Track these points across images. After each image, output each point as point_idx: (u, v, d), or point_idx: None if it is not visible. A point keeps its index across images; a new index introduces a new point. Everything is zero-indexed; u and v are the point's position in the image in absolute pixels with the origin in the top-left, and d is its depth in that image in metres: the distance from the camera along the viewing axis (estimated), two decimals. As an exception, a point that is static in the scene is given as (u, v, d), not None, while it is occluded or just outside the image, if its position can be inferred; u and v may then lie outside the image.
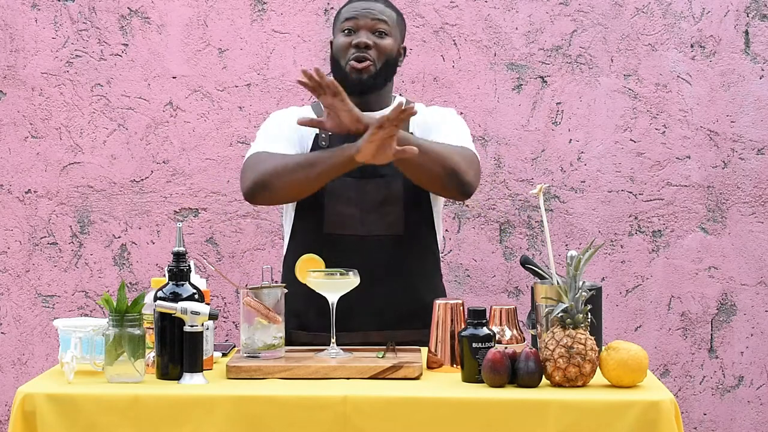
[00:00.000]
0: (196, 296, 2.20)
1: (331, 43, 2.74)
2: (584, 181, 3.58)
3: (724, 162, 3.58)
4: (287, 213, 2.76)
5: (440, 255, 2.82)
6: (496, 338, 2.24)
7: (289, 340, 2.55)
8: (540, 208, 2.33)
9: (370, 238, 2.64)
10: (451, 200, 3.56)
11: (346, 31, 2.67)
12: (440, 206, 2.78)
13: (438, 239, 2.78)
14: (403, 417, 2.04)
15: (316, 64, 3.54)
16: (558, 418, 2.01)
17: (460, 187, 2.58)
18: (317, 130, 2.69)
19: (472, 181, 2.60)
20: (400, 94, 2.76)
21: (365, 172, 2.64)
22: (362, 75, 2.64)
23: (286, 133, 2.69)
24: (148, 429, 2.06)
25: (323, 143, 2.68)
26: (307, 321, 2.66)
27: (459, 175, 2.55)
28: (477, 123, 3.56)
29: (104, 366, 2.16)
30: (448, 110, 2.82)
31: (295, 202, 2.71)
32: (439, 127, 2.71)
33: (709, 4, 3.56)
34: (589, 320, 2.16)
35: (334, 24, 2.74)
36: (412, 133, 2.68)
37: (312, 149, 2.68)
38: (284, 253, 2.76)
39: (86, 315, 3.58)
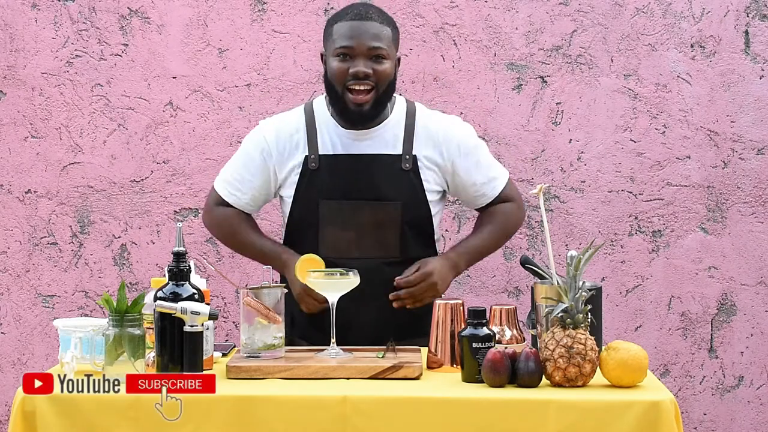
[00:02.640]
0: (196, 296, 2.20)
1: (322, 55, 2.64)
2: (584, 181, 3.58)
3: (724, 162, 3.58)
4: (284, 234, 2.73)
5: None
6: (496, 338, 2.24)
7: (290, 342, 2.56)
8: (540, 208, 2.33)
9: (367, 262, 2.56)
10: (448, 201, 3.56)
11: (341, 56, 2.56)
12: (439, 224, 2.75)
13: (438, 249, 2.75)
14: (403, 417, 2.04)
15: (316, 64, 3.55)
16: (558, 418, 2.01)
17: (518, 228, 2.83)
18: (306, 152, 2.62)
19: (523, 216, 2.83)
20: (400, 94, 2.74)
21: (361, 194, 2.60)
22: (363, 108, 2.56)
23: (255, 169, 2.66)
24: (148, 429, 2.06)
25: (313, 165, 2.61)
26: (306, 333, 2.66)
27: (515, 230, 2.82)
28: (477, 123, 3.56)
29: (104, 366, 2.16)
30: (461, 134, 2.70)
31: (286, 227, 2.71)
32: (470, 170, 2.68)
33: (709, 4, 3.56)
34: (589, 320, 2.16)
35: (326, 37, 2.63)
36: (415, 156, 2.64)
37: (302, 173, 2.62)
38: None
39: (86, 315, 3.58)
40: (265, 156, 2.65)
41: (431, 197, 2.65)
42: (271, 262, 2.61)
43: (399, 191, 2.61)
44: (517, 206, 2.76)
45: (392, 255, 2.62)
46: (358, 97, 2.55)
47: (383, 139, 2.63)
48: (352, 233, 2.61)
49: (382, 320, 2.59)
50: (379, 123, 2.63)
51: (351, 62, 2.55)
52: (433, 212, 2.67)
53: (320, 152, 2.62)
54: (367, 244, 2.61)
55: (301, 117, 2.67)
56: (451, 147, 2.65)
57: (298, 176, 2.62)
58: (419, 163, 2.63)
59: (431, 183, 2.64)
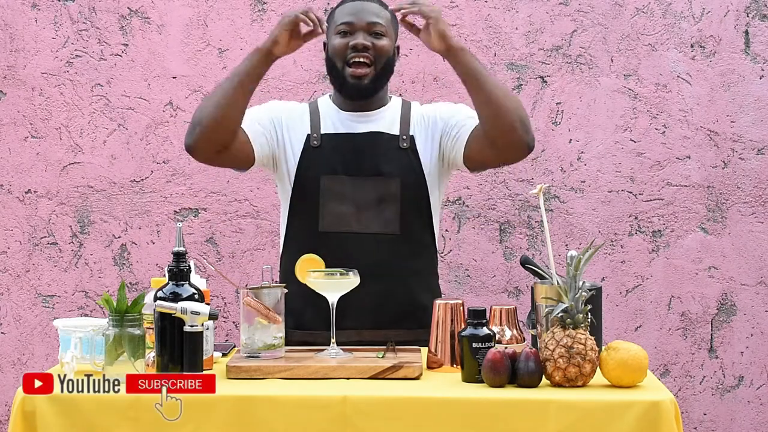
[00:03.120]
0: (196, 296, 2.20)
1: (325, 44, 2.71)
2: (584, 181, 3.58)
3: (724, 162, 3.58)
4: (282, 214, 2.76)
5: (438, 255, 2.82)
6: (496, 338, 2.24)
7: (287, 340, 2.55)
8: (540, 208, 2.33)
9: (366, 236, 2.62)
10: (448, 201, 3.56)
11: (342, 33, 2.65)
12: (439, 206, 2.78)
13: (435, 239, 2.77)
14: (403, 417, 2.04)
15: (316, 64, 3.55)
16: (558, 418, 2.01)
17: (528, 135, 2.57)
18: (309, 131, 2.69)
19: (526, 126, 2.57)
20: (400, 95, 2.76)
21: (362, 170, 2.65)
22: (362, 81, 2.64)
23: (264, 119, 2.69)
24: (148, 429, 2.06)
25: (315, 143, 2.68)
26: (302, 319, 2.66)
27: (527, 122, 2.56)
28: (477, 123, 3.56)
29: (104, 366, 2.16)
30: (444, 104, 2.79)
31: (288, 203, 2.69)
32: (453, 113, 2.70)
33: (709, 4, 3.56)
34: (589, 320, 2.16)
35: (329, 24, 2.70)
36: (413, 136, 2.69)
37: (304, 149, 2.68)
38: (280, 252, 2.75)
39: (86, 315, 3.58)
40: (273, 117, 2.71)
41: (430, 179, 2.70)
42: (251, 57, 2.57)
43: (398, 167, 2.66)
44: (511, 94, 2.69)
45: (391, 230, 2.66)
46: (358, 70, 2.63)
47: (381, 120, 2.70)
48: (352, 208, 2.65)
49: (381, 299, 2.62)
50: (378, 108, 2.70)
51: (351, 37, 2.64)
52: (432, 194, 2.71)
53: (322, 131, 2.69)
54: (367, 219, 2.65)
55: (305, 106, 2.76)
56: (439, 112, 2.73)
57: (300, 152, 2.68)
58: (416, 143, 2.69)
59: (430, 162, 2.70)
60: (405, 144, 2.68)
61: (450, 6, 3.57)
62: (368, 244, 2.61)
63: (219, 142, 2.59)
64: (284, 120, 2.71)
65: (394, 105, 2.75)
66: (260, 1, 3.59)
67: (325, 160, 2.67)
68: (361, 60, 2.62)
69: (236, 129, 2.59)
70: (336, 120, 2.70)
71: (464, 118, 2.69)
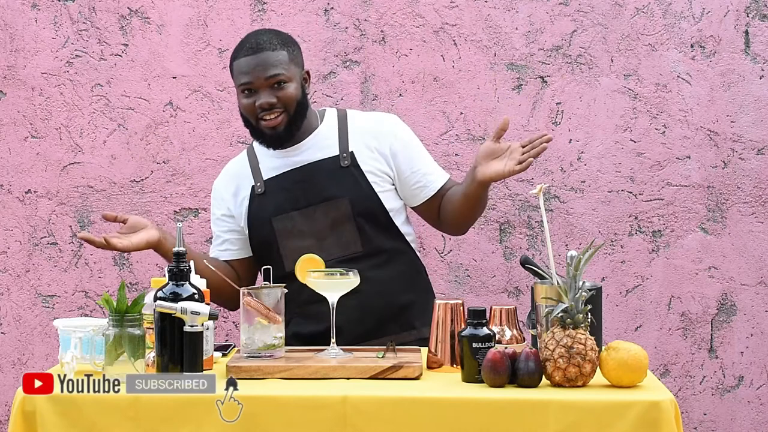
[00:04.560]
0: (196, 296, 2.20)
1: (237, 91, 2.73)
2: (584, 181, 3.58)
3: (724, 162, 3.58)
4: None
5: (418, 253, 2.82)
6: (496, 338, 2.25)
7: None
8: (540, 208, 2.33)
9: (331, 263, 2.59)
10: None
11: (245, 92, 2.67)
12: (404, 208, 2.77)
13: (411, 240, 2.76)
14: (403, 417, 2.04)
15: (316, 64, 3.55)
16: (558, 418, 2.01)
17: (466, 231, 2.86)
18: (252, 182, 2.76)
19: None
20: (334, 106, 2.77)
21: (309, 201, 2.68)
22: (277, 130, 2.67)
23: (223, 222, 2.84)
24: (148, 429, 2.06)
25: (259, 190, 2.75)
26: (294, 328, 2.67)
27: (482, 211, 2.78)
28: (477, 123, 3.56)
29: (104, 366, 2.16)
30: (396, 123, 2.79)
31: (250, 252, 2.79)
32: (410, 157, 2.73)
33: (709, 4, 3.56)
34: (589, 320, 2.16)
35: (232, 74, 2.73)
36: (352, 152, 2.71)
37: (251, 199, 2.76)
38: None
39: (86, 315, 3.58)
40: (223, 207, 2.83)
41: (380, 188, 2.70)
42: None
43: (344, 188, 2.68)
44: None
45: (354, 250, 2.67)
46: (269, 123, 2.66)
47: (317, 146, 2.73)
48: (311, 240, 2.67)
49: (361, 315, 2.63)
50: (309, 135, 2.73)
51: (256, 95, 2.66)
52: (387, 203, 2.71)
53: (264, 177, 2.75)
54: (328, 246, 2.67)
55: (244, 156, 2.83)
56: (386, 134, 2.74)
57: (247, 206, 2.76)
58: (357, 158, 2.70)
59: (376, 174, 2.71)
60: (346, 162, 2.69)
61: (450, 6, 3.57)
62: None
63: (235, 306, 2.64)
64: (228, 196, 2.80)
65: (327, 124, 2.75)
66: (260, 1, 3.59)
67: (271, 202, 2.72)
68: (272, 117, 2.65)
69: (235, 292, 2.48)
70: (275, 161, 2.74)
71: (428, 173, 2.73)
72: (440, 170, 2.79)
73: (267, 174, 2.75)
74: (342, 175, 2.68)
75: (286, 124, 2.66)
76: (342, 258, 2.64)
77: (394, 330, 2.63)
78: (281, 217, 2.69)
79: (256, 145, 2.79)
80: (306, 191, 2.69)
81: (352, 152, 2.70)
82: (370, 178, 2.69)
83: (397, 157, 2.72)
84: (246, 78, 2.65)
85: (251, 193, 2.75)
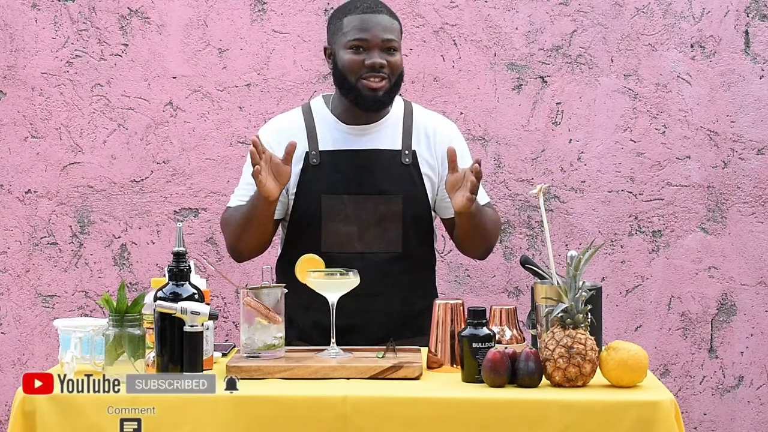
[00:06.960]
0: (196, 296, 2.20)
1: (326, 49, 2.66)
2: (584, 181, 3.58)
3: (724, 162, 3.58)
4: (281, 233, 2.72)
5: (437, 261, 2.80)
6: (496, 338, 2.24)
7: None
8: (540, 208, 2.32)
9: (369, 256, 2.59)
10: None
11: (354, 48, 2.59)
12: (438, 220, 2.76)
13: (434, 251, 2.75)
14: (403, 417, 2.04)
15: (316, 64, 3.55)
16: (558, 418, 2.01)
17: (484, 257, 2.77)
18: (307, 148, 2.63)
19: (498, 235, 2.76)
20: (400, 94, 2.75)
21: (363, 189, 2.61)
22: (377, 93, 2.59)
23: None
24: (148, 429, 2.06)
25: (314, 161, 2.63)
26: (306, 335, 2.65)
27: (489, 251, 2.74)
28: (477, 123, 3.56)
29: (104, 366, 2.16)
30: (456, 133, 2.75)
31: (287, 222, 2.67)
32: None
33: (709, 4, 3.56)
34: (589, 320, 2.16)
35: (334, 31, 2.64)
36: (415, 151, 2.66)
37: (303, 168, 2.62)
38: (274, 267, 2.70)
39: (86, 315, 3.58)
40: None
41: (432, 193, 2.67)
42: (253, 206, 2.56)
43: (400, 185, 2.63)
44: (499, 223, 2.78)
45: (394, 249, 2.63)
46: (373, 84, 2.59)
47: (383, 134, 2.66)
48: (354, 227, 2.62)
49: (385, 318, 2.60)
50: (379, 119, 2.66)
51: (365, 54, 2.59)
52: (432, 208, 2.69)
53: (320, 148, 2.64)
54: (370, 238, 2.62)
55: (300, 116, 2.69)
56: (445, 140, 2.67)
57: (299, 171, 2.63)
58: (419, 158, 2.65)
59: (430, 177, 2.67)
60: (407, 159, 2.64)
61: (450, 6, 3.57)
62: (370, 263, 2.56)
63: (260, 252, 2.67)
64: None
65: (395, 112, 2.69)
66: (260, 1, 3.59)
67: (325, 179, 2.62)
68: (377, 79, 2.59)
69: (269, 236, 2.63)
70: (335, 133, 2.65)
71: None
72: (484, 194, 2.72)
73: (324, 145, 2.64)
74: (401, 172, 2.63)
75: (385, 91, 2.60)
76: (381, 254, 2.62)
77: (407, 334, 2.62)
78: (331, 197, 2.60)
79: (315, 107, 2.69)
80: (362, 178, 2.62)
81: (414, 151, 2.65)
82: (426, 181, 2.65)
83: (447, 166, 2.68)
84: (362, 35, 2.58)
85: (305, 161, 2.62)
